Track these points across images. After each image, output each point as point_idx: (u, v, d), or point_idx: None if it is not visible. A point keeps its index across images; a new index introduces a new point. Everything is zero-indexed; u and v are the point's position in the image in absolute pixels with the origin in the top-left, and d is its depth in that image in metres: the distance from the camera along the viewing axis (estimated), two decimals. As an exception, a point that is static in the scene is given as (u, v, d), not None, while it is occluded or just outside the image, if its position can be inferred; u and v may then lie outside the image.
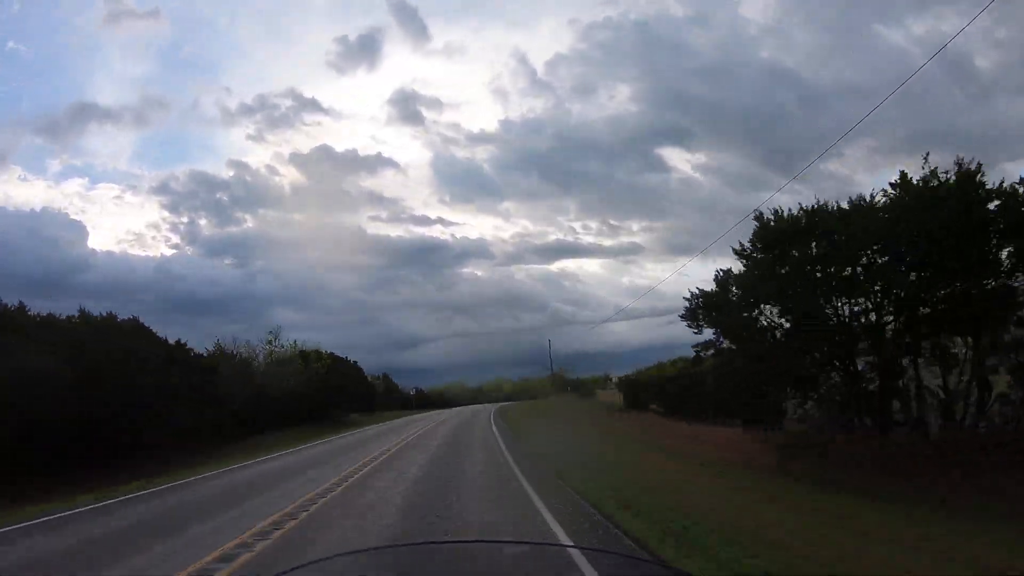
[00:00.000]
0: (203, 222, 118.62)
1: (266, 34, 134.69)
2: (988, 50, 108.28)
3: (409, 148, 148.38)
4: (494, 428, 23.52)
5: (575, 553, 3.01)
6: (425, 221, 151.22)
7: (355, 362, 52.61)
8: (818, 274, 10.61)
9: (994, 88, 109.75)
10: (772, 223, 11.27)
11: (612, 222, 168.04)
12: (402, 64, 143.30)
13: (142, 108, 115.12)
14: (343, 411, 39.69)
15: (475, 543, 3.52)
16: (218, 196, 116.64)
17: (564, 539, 6.03)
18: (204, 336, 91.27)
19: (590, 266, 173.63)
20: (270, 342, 37.22)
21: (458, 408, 58.65)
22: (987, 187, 9.12)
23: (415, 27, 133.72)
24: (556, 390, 61.60)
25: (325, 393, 35.22)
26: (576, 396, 49.97)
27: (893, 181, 9.96)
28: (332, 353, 46.63)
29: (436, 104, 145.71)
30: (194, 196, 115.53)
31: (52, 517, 8.91)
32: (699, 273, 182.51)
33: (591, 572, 2.28)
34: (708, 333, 13.35)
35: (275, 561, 5.64)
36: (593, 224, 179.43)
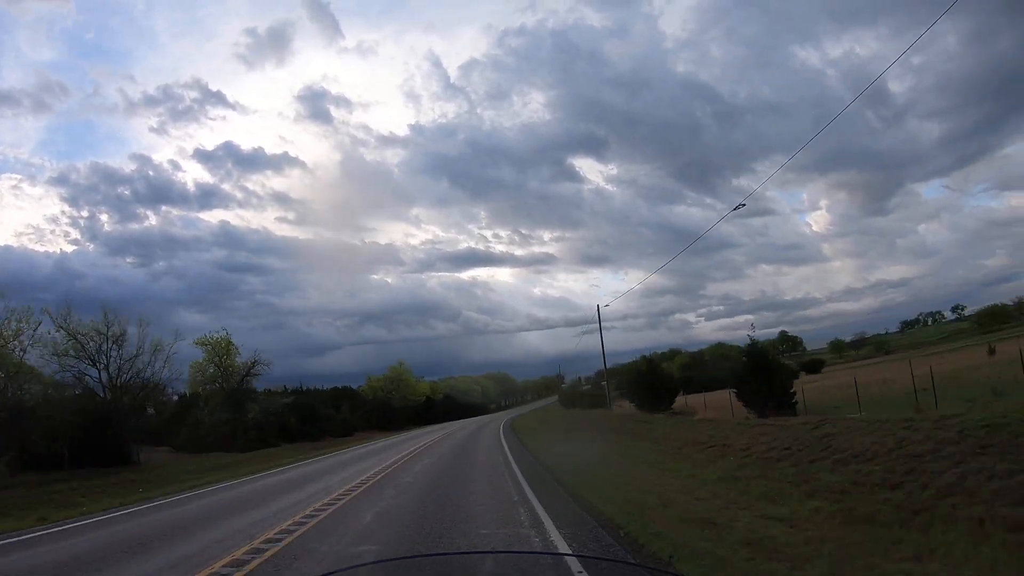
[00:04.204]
0: (104, 217, 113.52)
1: (174, 21, 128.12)
2: (903, 75, 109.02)
3: (317, 148, 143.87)
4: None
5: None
6: (334, 224, 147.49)
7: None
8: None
9: (906, 111, 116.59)
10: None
11: (523, 231, 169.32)
12: (312, 60, 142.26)
13: (41, 93, 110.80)
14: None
15: (470, 554, 3.43)
16: (119, 191, 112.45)
17: None
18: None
19: (502, 275, 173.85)
20: None
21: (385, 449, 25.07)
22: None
23: (327, 23, 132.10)
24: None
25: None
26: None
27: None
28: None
29: (345, 103, 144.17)
30: (95, 190, 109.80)
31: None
32: (611, 285, 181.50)
33: None
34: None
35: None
36: (504, 233, 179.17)
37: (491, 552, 3.84)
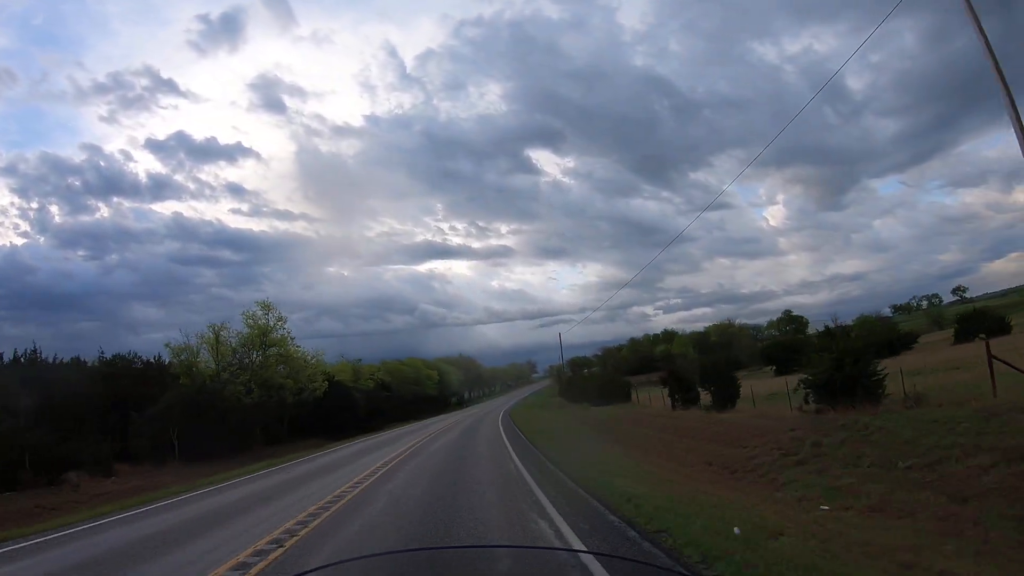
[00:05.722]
0: (54, 209, 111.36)
1: (125, 7, 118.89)
2: (860, 72, 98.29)
3: (271, 139, 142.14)
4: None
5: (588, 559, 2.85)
6: (288, 216, 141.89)
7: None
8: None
9: (863, 108, 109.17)
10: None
11: (480, 224, 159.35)
12: (266, 48, 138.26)
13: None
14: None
15: (482, 548, 3.64)
16: (70, 181, 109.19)
17: None
18: (61, 335, 79.76)
19: (459, 268, 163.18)
20: None
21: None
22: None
23: (281, 10, 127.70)
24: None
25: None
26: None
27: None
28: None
29: (299, 92, 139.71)
30: (44, 180, 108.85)
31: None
32: (568, 277, 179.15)
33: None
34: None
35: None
36: (461, 225, 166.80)
37: (505, 546, 3.66)
